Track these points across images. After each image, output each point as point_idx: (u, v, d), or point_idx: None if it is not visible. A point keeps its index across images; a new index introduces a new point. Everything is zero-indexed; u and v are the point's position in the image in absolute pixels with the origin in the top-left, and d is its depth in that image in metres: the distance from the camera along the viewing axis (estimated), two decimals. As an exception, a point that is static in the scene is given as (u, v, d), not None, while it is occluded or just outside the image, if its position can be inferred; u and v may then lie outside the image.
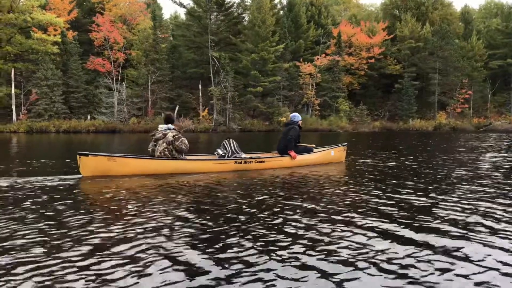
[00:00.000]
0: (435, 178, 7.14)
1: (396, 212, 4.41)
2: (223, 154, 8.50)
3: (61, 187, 5.93)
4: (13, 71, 36.55)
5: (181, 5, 43.61)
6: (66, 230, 3.64)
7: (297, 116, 9.81)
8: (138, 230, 3.66)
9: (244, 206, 4.68)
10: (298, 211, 4.45)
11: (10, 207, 4.54)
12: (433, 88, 52.09)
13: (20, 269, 2.72)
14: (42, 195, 5.29)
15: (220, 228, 3.72)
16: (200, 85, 41.44)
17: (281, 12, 52.23)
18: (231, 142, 8.67)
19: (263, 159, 8.53)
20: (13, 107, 36.33)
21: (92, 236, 3.49)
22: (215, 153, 8.72)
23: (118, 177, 6.85)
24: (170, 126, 7.68)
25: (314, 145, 10.17)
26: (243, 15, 45.96)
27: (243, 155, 8.62)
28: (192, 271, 2.71)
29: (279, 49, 43.17)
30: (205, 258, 2.96)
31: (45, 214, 4.26)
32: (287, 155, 8.95)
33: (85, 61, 41.49)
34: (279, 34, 45.55)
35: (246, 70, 41.39)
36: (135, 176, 6.98)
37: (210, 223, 3.90)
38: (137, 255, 3.02)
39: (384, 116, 52.57)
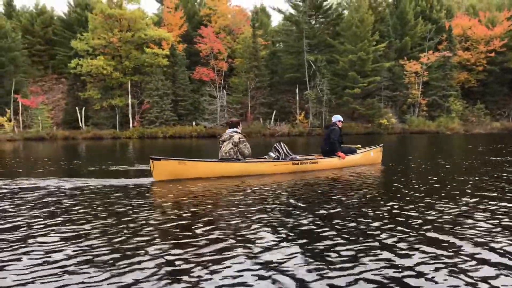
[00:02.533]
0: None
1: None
2: (276, 156, 8.71)
3: (135, 189, 6.15)
4: (129, 83, 41.07)
5: (279, 11, 44.51)
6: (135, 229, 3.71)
7: (336, 117, 9.82)
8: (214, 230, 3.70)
9: (306, 209, 4.59)
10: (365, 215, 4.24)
11: (76, 206, 4.83)
12: None
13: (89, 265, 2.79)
14: (117, 195, 5.58)
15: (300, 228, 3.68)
16: (297, 89, 41.74)
17: (386, 10, 49.84)
18: (282, 146, 8.89)
19: (317, 160, 8.72)
20: (130, 116, 40.79)
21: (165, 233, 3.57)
22: (266, 156, 8.93)
23: (189, 180, 7.05)
24: (237, 130, 8.09)
25: (359, 145, 10.37)
26: (342, 16, 44.98)
27: (298, 157, 8.83)
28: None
29: (379, 49, 41.41)
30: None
31: (117, 213, 4.43)
32: (331, 156, 9.09)
33: (192, 71, 44.71)
34: (382, 33, 43.79)
35: (344, 72, 40.49)
36: (204, 179, 7.22)
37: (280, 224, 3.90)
38: (210, 252, 3.03)
39: (508, 115, 46.83)
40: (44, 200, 5.22)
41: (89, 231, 3.63)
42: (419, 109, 43.76)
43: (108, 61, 41.45)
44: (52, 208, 4.69)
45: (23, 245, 3.20)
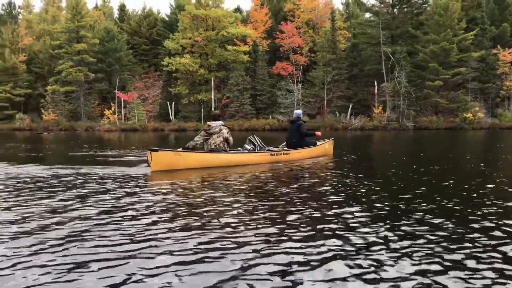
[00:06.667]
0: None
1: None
2: (252, 148, 9.57)
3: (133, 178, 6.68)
4: (213, 79, 43.89)
5: (360, 2, 43.50)
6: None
7: (297, 112, 10.65)
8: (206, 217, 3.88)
9: (288, 191, 5.33)
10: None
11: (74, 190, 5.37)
12: None
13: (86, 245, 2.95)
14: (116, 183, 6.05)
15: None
16: (375, 82, 40.70)
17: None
18: (256, 138, 9.82)
19: (288, 151, 9.75)
20: (213, 109, 43.60)
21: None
22: (240, 148, 9.76)
23: (183, 170, 7.64)
24: (222, 123, 8.97)
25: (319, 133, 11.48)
26: (425, 5, 42.38)
27: (273, 148, 9.87)
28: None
29: (467, 37, 38.43)
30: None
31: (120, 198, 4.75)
32: (298, 148, 9.97)
33: (272, 66, 46.02)
34: (476, 20, 40.58)
35: (425, 63, 38.44)
36: (197, 169, 7.89)
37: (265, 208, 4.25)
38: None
39: None
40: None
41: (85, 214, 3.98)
42: (515, 102, 39.71)
43: (195, 59, 44.76)
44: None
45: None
